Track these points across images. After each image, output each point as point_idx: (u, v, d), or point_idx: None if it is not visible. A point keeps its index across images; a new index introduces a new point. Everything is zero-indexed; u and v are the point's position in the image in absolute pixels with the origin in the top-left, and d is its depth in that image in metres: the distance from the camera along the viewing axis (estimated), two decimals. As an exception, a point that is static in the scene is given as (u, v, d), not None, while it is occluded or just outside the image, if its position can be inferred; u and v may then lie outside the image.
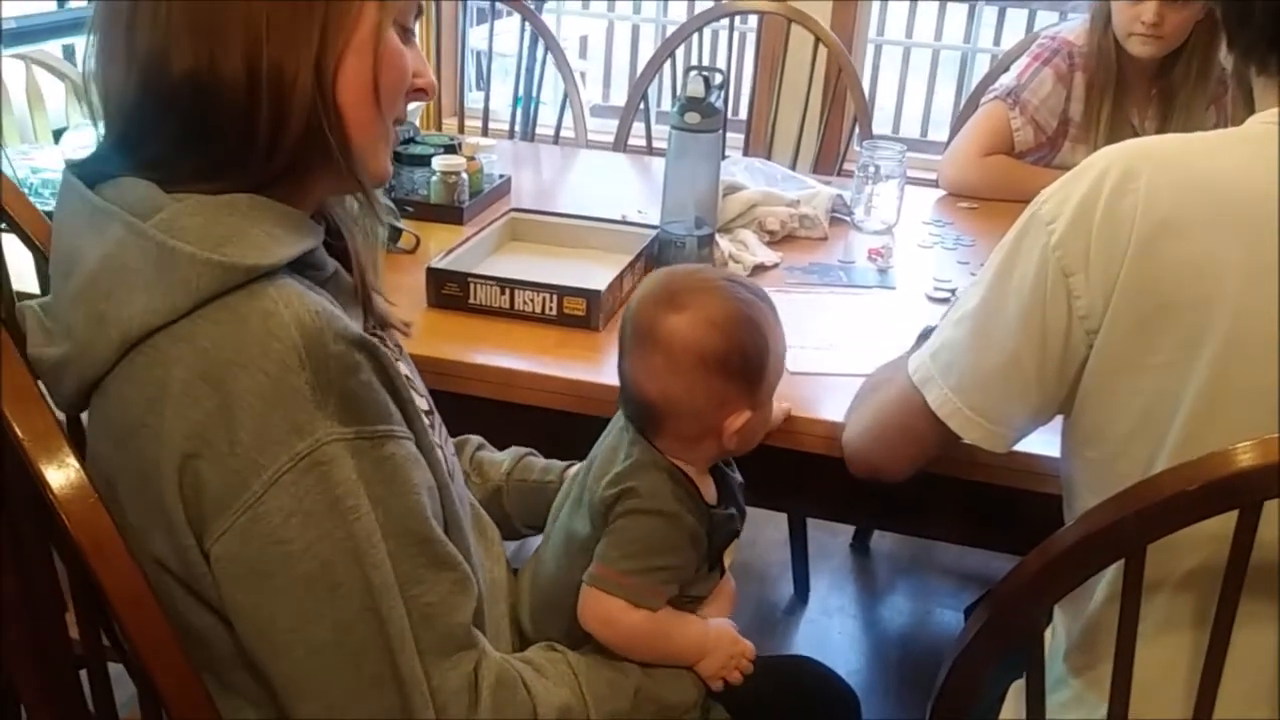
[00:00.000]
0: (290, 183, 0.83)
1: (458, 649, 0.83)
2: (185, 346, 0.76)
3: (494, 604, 1.00)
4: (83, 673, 0.87)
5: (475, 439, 1.23)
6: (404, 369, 0.99)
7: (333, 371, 0.76)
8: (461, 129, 2.82)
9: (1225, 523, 0.83)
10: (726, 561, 1.06)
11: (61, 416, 0.83)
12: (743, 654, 1.03)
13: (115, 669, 0.88)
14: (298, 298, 0.78)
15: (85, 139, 1.17)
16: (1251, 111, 0.99)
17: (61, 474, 0.75)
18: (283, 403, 0.74)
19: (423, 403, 0.98)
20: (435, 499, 0.85)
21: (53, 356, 0.81)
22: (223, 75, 0.78)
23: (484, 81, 4.03)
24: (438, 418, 1.01)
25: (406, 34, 0.87)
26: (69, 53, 2.73)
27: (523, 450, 1.21)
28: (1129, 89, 2.05)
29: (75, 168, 0.84)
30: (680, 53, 2.56)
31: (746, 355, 0.99)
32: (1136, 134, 2.03)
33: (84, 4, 2.87)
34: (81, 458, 0.77)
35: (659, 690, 0.97)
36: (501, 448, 1.24)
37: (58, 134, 2.13)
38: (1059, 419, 1.05)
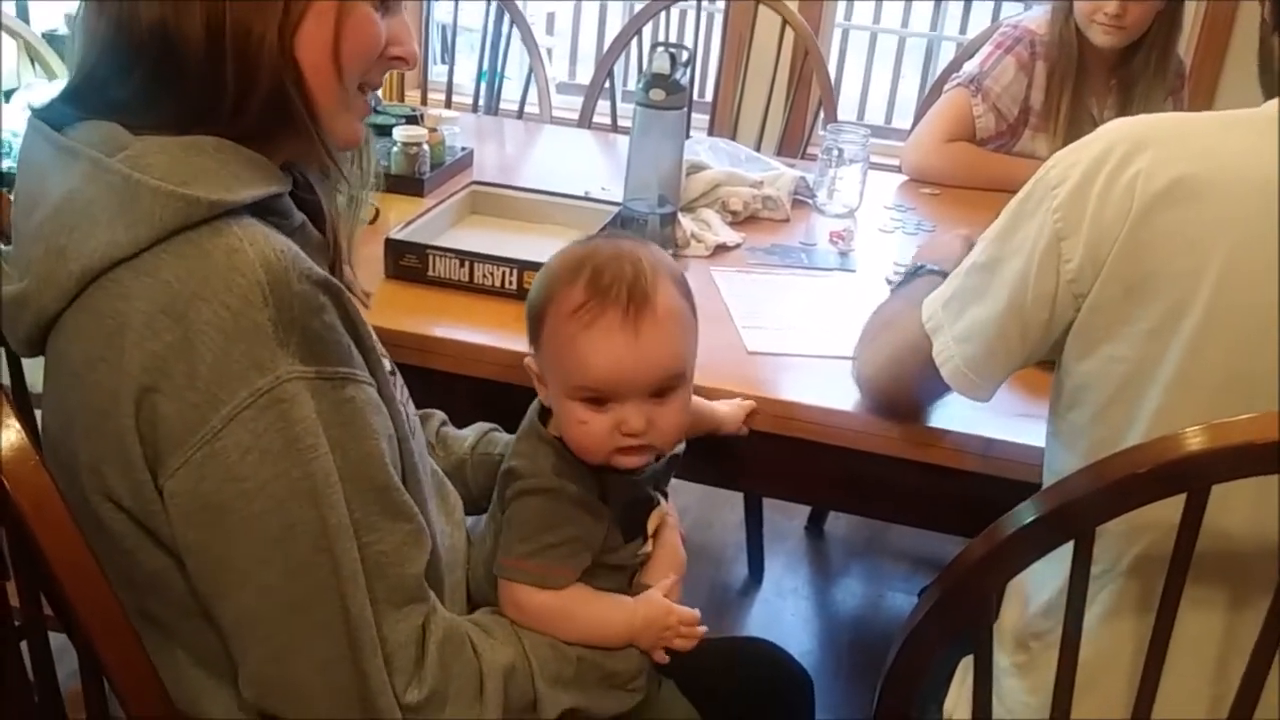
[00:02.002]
0: (259, 139, 0.83)
1: (408, 601, 0.83)
2: (148, 280, 0.75)
3: (451, 570, 1.00)
4: (23, 645, 0.85)
5: (439, 414, 1.22)
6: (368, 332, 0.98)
7: (296, 310, 0.76)
8: (425, 102, 2.79)
9: (1169, 510, 0.84)
10: (650, 528, 1.04)
11: (5, 380, 0.81)
12: (681, 622, 1.01)
13: (57, 640, 0.86)
14: (263, 236, 0.78)
15: (38, 97, 1.15)
16: (1272, 94, 0.99)
17: (3, 436, 0.73)
18: (244, 338, 0.74)
19: (387, 362, 0.97)
20: (394, 449, 0.85)
21: (10, 294, 0.80)
22: (185, 30, 0.78)
23: (448, 55, 3.99)
24: (399, 379, 1.00)
25: (385, 2, 0.87)
26: (22, 12, 2.68)
27: (487, 426, 1.20)
28: (1089, 79, 2.07)
29: (40, 112, 0.84)
30: (647, 31, 2.55)
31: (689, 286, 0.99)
32: (1096, 123, 2.05)
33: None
34: (25, 421, 0.75)
35: (602, 657, 0.97)
36: (460, 423, 1.23)
37: (9, 94, 2.08)
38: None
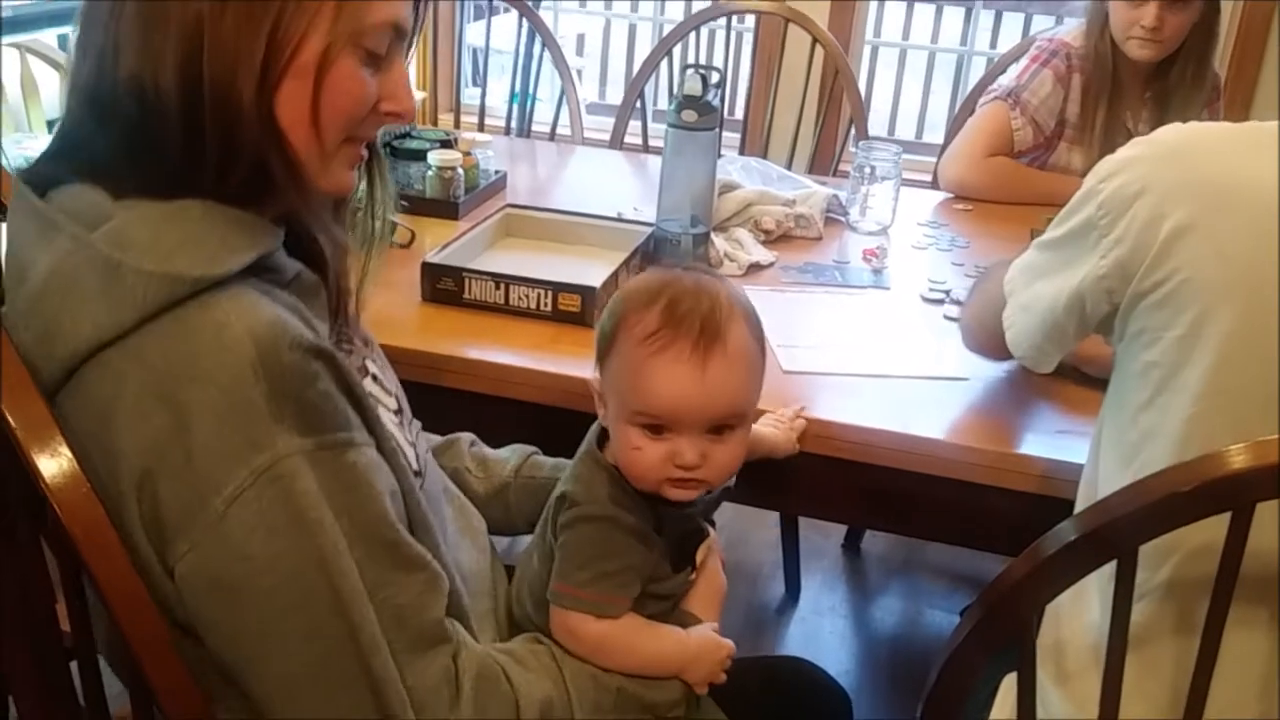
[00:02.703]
0: (247, 197, 0.81)
1: (431, 646, 0.83)
2: (135, 362, 0.75)
3: (478, 599, 0.99)
4: (73, 665, 0.86)
5: (466, 436, 1.22)
6: (372, 368, 0.97)
7: (289, 382, 0.75)
8: (457, 125, 2.82)
9: (1200, 530, 0.83)
10: (699, 558, 1.04)
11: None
12: (727, 656, 1.01)
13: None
14: (251, 307, 0.76)
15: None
16: None
17: (54, 464, 0.74)
18: (238, 417, 0.74)
19: (391, 401, 0.97)
20: (399, 502, 0.85)
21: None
22: (161, 85, 0.77)
23: (480, 78, 4.03)
24: (407, 415, 0.99)
25: (377, 59, 0.85)
26: (64, 42, 2.73)
27: (527, 449, 1.20)
28: (1124, 92, 2.06)
29: (26, 172, 0.83)
30: (677, 51, 2.56)
31: (762, 327, 0.99)
32: (1132, 136, 2.03)
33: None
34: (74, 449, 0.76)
35: (643, 688, 0.97)
36: (494, 444, 1.23)
37: (51, 124, 2.12)
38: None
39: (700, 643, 1.00)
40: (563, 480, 1.02)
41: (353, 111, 0.84)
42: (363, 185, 0.96)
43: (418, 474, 0.92)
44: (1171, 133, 1.00)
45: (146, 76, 0.78)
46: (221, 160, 0.79)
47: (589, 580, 0.95)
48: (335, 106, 0.82)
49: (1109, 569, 0.87)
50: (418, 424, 1.13)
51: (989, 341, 1.25)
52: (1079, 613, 1.05)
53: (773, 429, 1.22)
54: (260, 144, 0.80)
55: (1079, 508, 1.07)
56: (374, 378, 0.97)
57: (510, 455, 1.19)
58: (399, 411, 0.97)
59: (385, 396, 0.96)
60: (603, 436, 1.01)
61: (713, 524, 1.07)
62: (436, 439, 1.19)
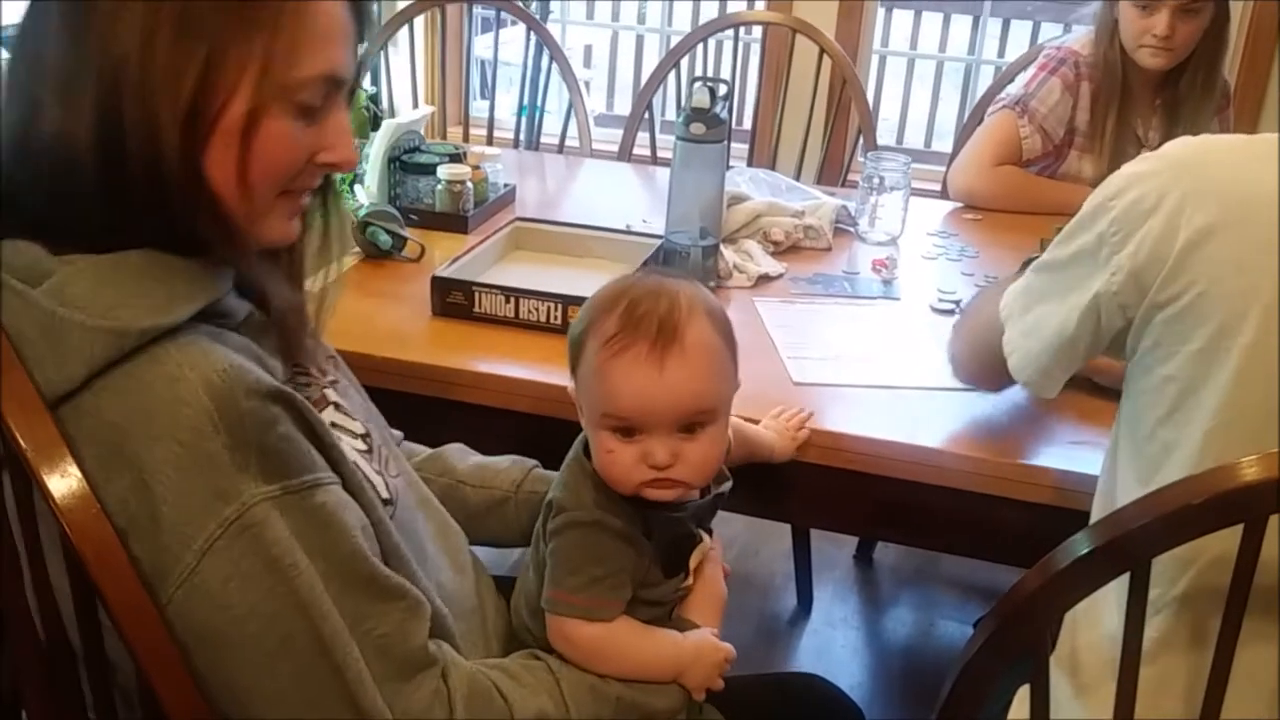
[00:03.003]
0: (188, 247, 0.80)
1: (417, 671, 0.84)
2: (91, 421, 0.75)
3: (463, 618, 0.99)
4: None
5: (456, 446, 1.20)
6: (333, 396, 0.96)
7: (249, 430, 0.75)
8: (466, 138, 2.82)
9: (1213, 542, 0.83)
10: (692, 564, 1.03)
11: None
12: (725, 660, 1.01)
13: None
14: (202, 356, 0.76)
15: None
16: None
17: (64, 483, 0.74)
18: (201, 471, 0.74)
19: (357, 426, 0.96)
20: (370, 535, 0.84)
21: None
22: (82, 150, 0.76)
23: (489, 90, 4.04)
24: (377, 438, 0.98)
25: (312, 111, 0.82)
26: None
27: (528, 462, 1.19)
28: (1134, 100, 2.05)
29: None
30: (685, 63, 2.56)
31: (729, 324, 0.99)
32: (1141, 144, 2.04)
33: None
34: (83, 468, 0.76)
35: (642, 695, 0.97)
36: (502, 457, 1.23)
37: None
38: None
39: (697, 645, 1.00)
40: (551, 488, 1.02)
41: (285, 170, 0.83)
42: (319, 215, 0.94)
43: (388, 502, 0.92)
44: (1181, 146, 0.99)
45: (67, 138, 0.76)
46: (151, 220, 0.78)
47: (580, 585, 0.96)
48: (265, 167, 0.81)
49: (1127, 579, 0.86)
50: (398, 434, 1.13)
51: (982, 372, 1.23)
52: (1094, 623, 1.04)
53: (774, 433, 1.22)
54: (189, 204, 0.78)
55: (1094, 520, 1.06)
56: (335, 406, 0.95)
57: (509, 465, 1.18)
58: (365, 436, 0.96)
59: (350, 423, 0.95)
60: (589, 443, 1.01)
61: (709, 531, 1.06)
62: (423, 450, 1.19)
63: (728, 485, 1.06)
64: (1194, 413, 0.94)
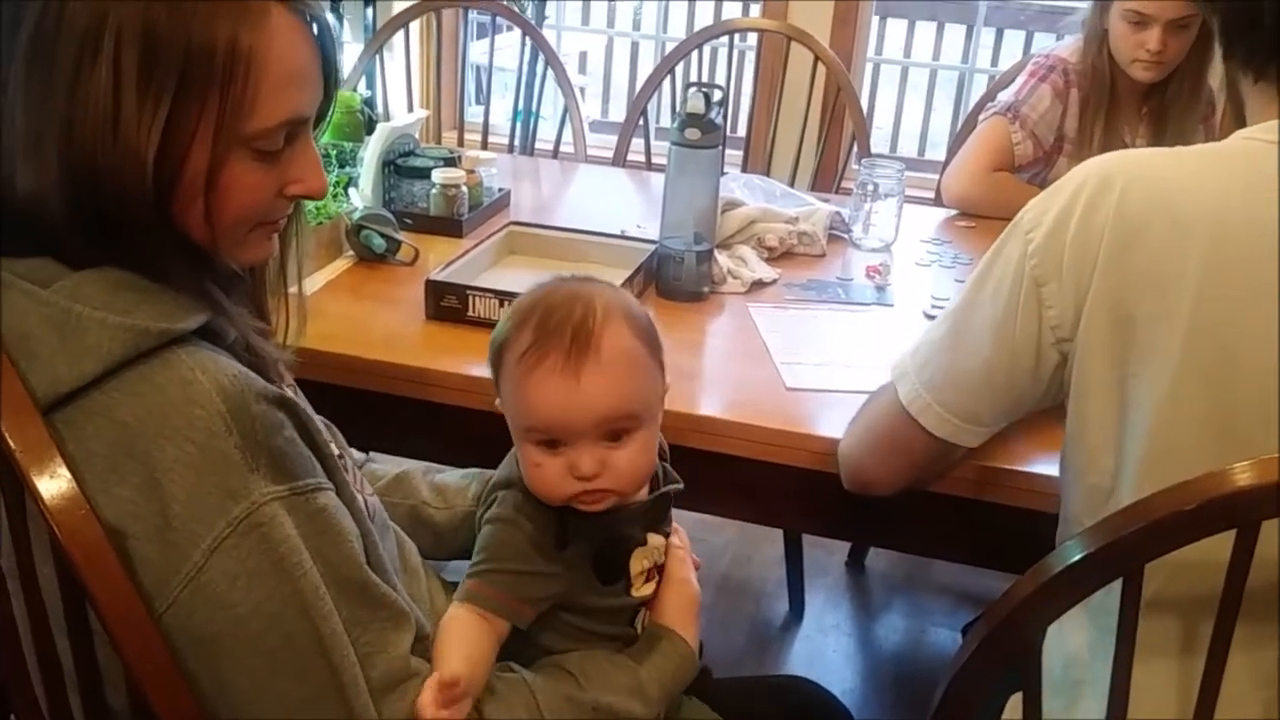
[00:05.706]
0: (177, 277, 0.82)
1: (400, 681, 0.85)
2: (102, 420, 0.75)
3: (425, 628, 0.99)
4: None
5: (417, 465, 1.20)
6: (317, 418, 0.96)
7: (259, 432, 0.77)
8: (461, 143, 2.82)
9: (1193, 548, 0.83)
10: (633, 569, 1.00)
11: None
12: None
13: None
14: (212, 362, 0.77)
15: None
16: (1242, 124, 0.99)
17: (53, 485, 0.74)
18: (214, 470, 0.75)
19: (334, 448, 0.95)
20: (361, 544, 0.85)
21: None
22: (55, 206, 0.77)
23: (484, 96, 4.04)
24: (349, 459, 0.99)
25: (274, 155, 0.83)
26: None
27: (486, 473, 1.16)
28: (1121, 107, 2.07)
29: None
30: (680, 69, 2.57)
31: (652, 326, 0.98)
32: (1131, 152, 2.05)
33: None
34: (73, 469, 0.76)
35: (621, 703, 0.96)
36: (497, 463, 1.22)
37: None
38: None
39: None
40: (499, 468, 1.02)
41: (253, 211, 0.84)
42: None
43: (370, 517, 0.93)
44: (1096, 165, 0.97)
45: (38, 193, 0.77)
46: (131, 263, 0.79)
47: (479, 572, 0.95)
48: (234, 211, 0.83)
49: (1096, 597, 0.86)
50: (361, 456, 1.14)
51: (881, 462, 1.13)
52: (1063, 642, 1.04)
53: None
54: (164, 249, 0.80)
55: (1060, 541, 1.05)
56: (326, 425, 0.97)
57: (468, 482, 1.17)
58: (340, 457, 0.96)
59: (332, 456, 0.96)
60: (518, 457, 1.00)
61: (664, 534, 1.04)
62: (388, 470, 1.18)
63: (675, 487, 1.04)
64: (1128, 439, 0.94)
